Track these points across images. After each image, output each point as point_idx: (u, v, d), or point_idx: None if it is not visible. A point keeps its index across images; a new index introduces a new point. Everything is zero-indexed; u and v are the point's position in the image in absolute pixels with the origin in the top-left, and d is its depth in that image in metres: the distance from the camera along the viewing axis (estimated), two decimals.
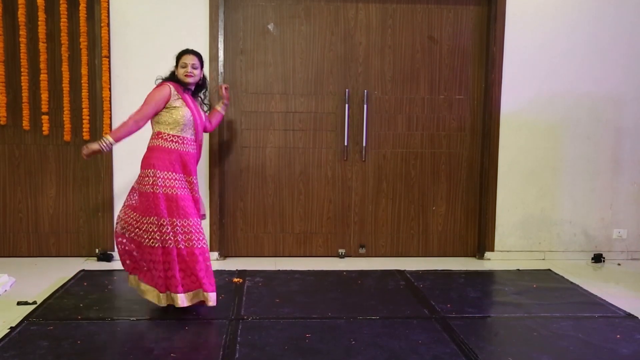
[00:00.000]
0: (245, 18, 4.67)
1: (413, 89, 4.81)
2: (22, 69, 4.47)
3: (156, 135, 3.39)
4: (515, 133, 4.79)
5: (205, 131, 3.76)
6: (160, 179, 3.30)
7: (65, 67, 4.49)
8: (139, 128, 3.37)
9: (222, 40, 4.59)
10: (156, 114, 3.38)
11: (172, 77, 3.49)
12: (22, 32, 4.43)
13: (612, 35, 4.77)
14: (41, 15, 4.40)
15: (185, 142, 3.40)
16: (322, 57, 4.73)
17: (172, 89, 3.40)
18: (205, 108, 3.76)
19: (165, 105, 3.37)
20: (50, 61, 4.51)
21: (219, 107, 3.96)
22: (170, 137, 3.36)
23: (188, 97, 3.45)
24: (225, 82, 4.65)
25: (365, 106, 4.76)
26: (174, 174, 3.33)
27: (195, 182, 3.47)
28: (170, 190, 3.31)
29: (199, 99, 3.65)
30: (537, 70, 4.75)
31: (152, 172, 3.31)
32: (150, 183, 3.29)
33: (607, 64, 4.79)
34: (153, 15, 4.49)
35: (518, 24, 4.69)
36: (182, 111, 3.37)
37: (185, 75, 3.44)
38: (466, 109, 4.86)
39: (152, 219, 3.29)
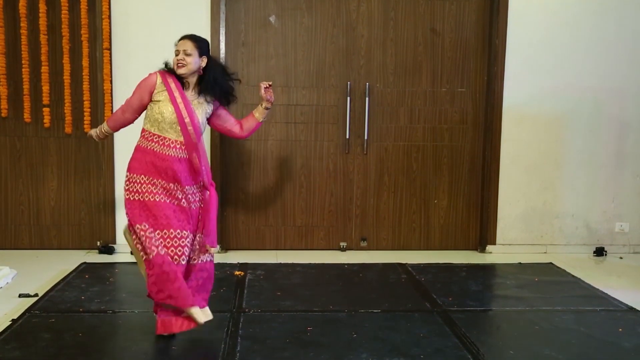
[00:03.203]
0: (247, 10, 4.65)
1: (415, 82, 4.79)
2: (23, 61, 4.45)
3: (141, 132, 2.97)
4: (518, 126, 4.78)
5: (234, 136, 3.23)
6: (133, 184, 2.90)
7: (66, 60, 4.47)
8: (126, 120, 3.02)
9: (223, 32, 4.57)
10: (143, 105, 2.97)
11: (169, 67, 3.01)
12: (23, 24, 4.42)
13: (615, 29, 4.74)
14: (42, 7, 4.39)
15: (166, 143, 2.88)
16: (324, 49, 4.71)
17: (159, 79, 2.94)
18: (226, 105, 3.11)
19: (151, 98, 2.93)
20: (51, 53, 4.49)
21: (257, 113, 3.15)
22: (149, 136, 2.91)
23: (179, 92, 2.91)
24: None
25: (367, 99, 4.74)
26: (149, 178, 2.87)
27: (189, 192, 2.93)
28: (146, 197, 2.86)
29: (206, 96, 3.00)
30: (540, 64, 4.72)
31: (128, 176, 2.93)
32: (125, 189, 2.93)
33: (611, 57, 4.77)
34: (155, 7, 4.47)
35: (521, 16, 4.66)
36: (162, 106, 2.88)
37: (177, 65, 2.91)
38: (468, 102, 4.84)
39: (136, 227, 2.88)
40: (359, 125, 4.78)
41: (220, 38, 4.54)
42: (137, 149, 2.96)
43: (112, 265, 4.29)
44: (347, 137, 4.77)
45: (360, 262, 4.49)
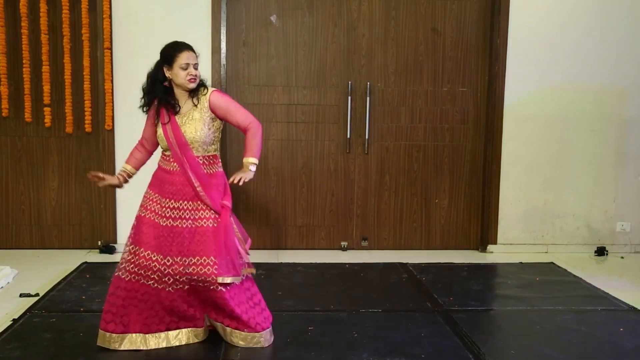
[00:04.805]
0: (247, 10, 4.64)
1: (416, 82, 4.79)
2: (23, 61, 4.45)
3: None
4: (519, 125, 4.77)
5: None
6: (143, 198, 2.93)
7: (67, 59, 4.47)
8: (145, 150, 3.03)
9: (224, 32, 4.57)
10: (151, 133, 2.97)
11: (161, 86, 2.85)
12: (24, 23, 4.41)
13: (617, 28, 4.73)
14: (43, 7, 4.38)
15: (168, 159, 2.88)
16: (325, 49, 4.71)
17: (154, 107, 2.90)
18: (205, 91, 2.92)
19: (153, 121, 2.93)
20: (52, 53, 4.49)
21: (245, 164, 3.02)
22: (162, 154, 2.95)
23: (165, 111, 2.85)
24: (228, 74, 4.63)
25: (368, 99, 4.74)
26: (151, 193, 2.90)
27: (189, 208, 2.84)
28: (140, 212, 2.90)
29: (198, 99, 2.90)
30: (541, 63, 4.72)
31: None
32: None
33: (612, 56, 4.76)
34: (156, 6, 4.47)
35: (522, 15, 4.66)
36: (157, 129, 2.88)
37: (190, 80, 2.80)
38: (469, 102, 4.84)
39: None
40: (360, 125, 4.78)
41: (221, 37, 4.54)
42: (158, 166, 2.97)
43: (113, 264, 4.25)
44: (348, 136, 4.77)
45: (361, 262, 4.49)
